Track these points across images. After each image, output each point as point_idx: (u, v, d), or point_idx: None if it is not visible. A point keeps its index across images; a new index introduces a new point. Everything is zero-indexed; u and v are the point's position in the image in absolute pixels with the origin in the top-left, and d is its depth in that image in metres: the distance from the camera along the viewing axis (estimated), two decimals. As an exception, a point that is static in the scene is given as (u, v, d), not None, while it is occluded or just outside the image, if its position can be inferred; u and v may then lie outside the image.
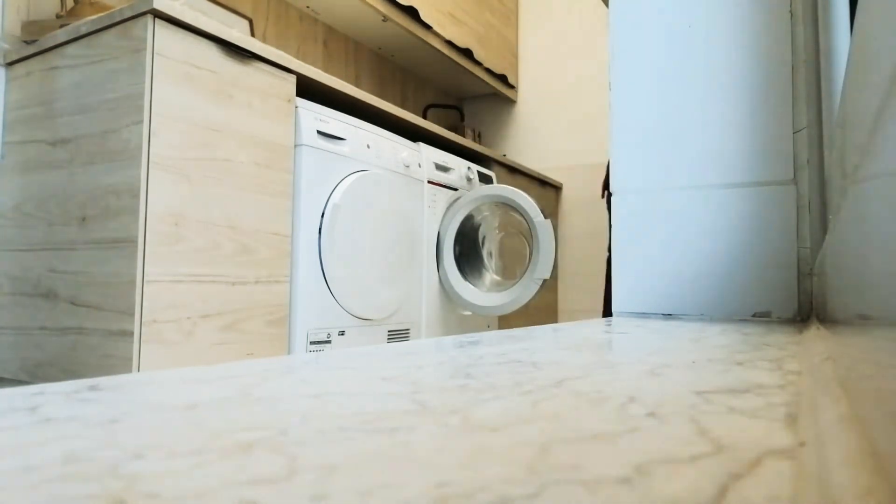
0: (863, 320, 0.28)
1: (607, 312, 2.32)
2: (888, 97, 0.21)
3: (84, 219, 1.28)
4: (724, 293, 1.12)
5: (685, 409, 0.29)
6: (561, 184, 3.21)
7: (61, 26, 1.44)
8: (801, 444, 0.23)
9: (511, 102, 3.45)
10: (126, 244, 1.20)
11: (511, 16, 3.41)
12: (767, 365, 0.47)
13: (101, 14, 1.31)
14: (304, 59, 2.39)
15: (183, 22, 1.28)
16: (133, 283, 1.18)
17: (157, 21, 1.24)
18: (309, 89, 1.68)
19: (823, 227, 1.01)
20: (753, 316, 1.09)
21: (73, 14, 1.52)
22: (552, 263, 2.10)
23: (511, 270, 2.54)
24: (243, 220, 1.41)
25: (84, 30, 1.32)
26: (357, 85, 2.71)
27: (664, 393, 0.34)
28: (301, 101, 1.59)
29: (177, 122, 1.27)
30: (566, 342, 0.65)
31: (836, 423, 0.26)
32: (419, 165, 2.03)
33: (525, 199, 2.11)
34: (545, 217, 2.09)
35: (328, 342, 1.61)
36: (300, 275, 1.55)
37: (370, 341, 1.77)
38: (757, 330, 0.85)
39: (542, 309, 2.98)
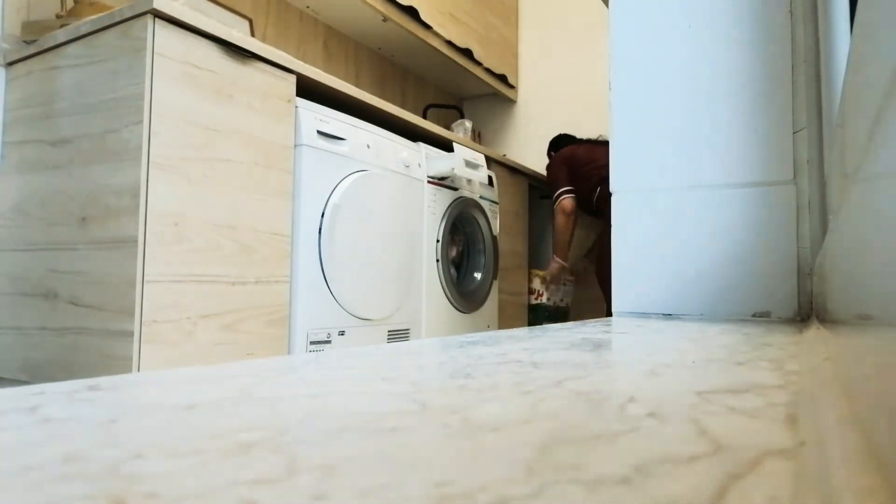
0: (863, 320, 0.28)
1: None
2: (888, 97, 0.21)
3: (84, 219, 1.28)
4: (724, 293, 1.12)
5: (685, 409, 0.29)
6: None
7: (61, 26, 1.44)
8: (801, 444, 0.23)
9: (511, 102, 3.45)
10: (126, 244, 1.20)
11: (511, 16, 3.41)
12: (767, 365, 0.47)
13: (101, 14, 1.31)
14: (304, 59, 2.39)
15: (183, 22, 1.28)
16: (133, 283, 1.18)
17: (157, 21, 1.24)
18: (309, 89, 1.68)
19: (823, 227, 1.01)
20: (753, 316, 1.09)
21: (73, 14, 1.52)
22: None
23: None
24: (243, 220, 1.41)
25: (84, 30, 1.32)
26: (357, 85, 2.71)
27: (664, 393, 0.34)
28: (301, 101, 1.59)
29: (177, 122, 1.27)
30: (566, 342, 0.65)
31: (836, 423, 0.26)
32: (419, 165, 2.03)
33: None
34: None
35: (328, 342, 1.61)
36: (300, 275, 1.55)
37: (370, 341, 1.77)
38: (757, 330, 0.85)
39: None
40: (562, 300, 2.80)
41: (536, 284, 2.75)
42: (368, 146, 1.77)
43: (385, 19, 2.48)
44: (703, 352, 0.57)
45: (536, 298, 2.75)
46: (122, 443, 0.23)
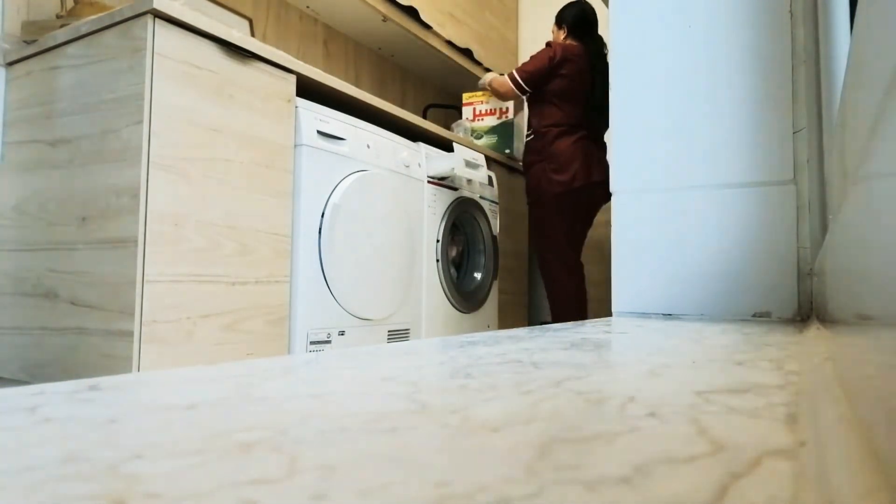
0: (863, 320, 0.28)
1: (561, 318, 2.27)
2: (888, 97, 0.21)
3: (84, 219, 1.28)
4: (724, 293, 1.12)
5: (685, 409, 0.29)
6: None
7: (61, 26, 1.44)
8: (801, 444, 0.23)
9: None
10: (126, 244, 1.20)
11: (511, 16, 3.41)
12: (767, 365, 0.47)
13: (101, 14, 1.31)
14: (304, 59, 2.39)
15: (183, 22, 1.28)
16: (133, 283, 1.18)
17: (157, 21, 1.24)
18: (309, 89, 1.68)
19: (823, 227, 1.01)
20: (753, 316, 1.09)
21: (73, 14, 1.52)
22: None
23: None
24: (243, 220, 1.41)
25: (84, 30, 1.32)
26: (357, 85, 2.71)
27: (664, 393, 0.34)
28: (301, 101, 1.59)
29: (177, 122, 1.27)
30: (566, 342, 0.65)
31: (836, 423, 0.26)
32: (419, 165, 2.03)
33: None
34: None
35: (328, 342, 1.61)
36: (300, 275, 1.55)
37: (370, 341, 1.77)
38: (757, 330, 0.85)
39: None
40: None
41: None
42: (368, 146, 1.77)
43: (385, 19, 2.48)
44: (703, 352, 0.57)
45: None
46: (122, 443, 0.23)
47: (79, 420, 0.27)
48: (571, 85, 2.27)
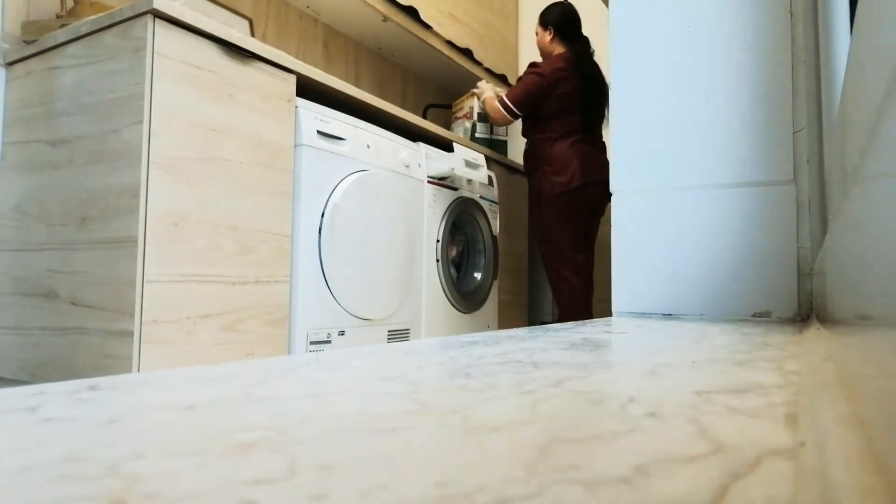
0: (863, 320, 0.28)
1: (565, 317, 2.28)
2: (888, 97, 0.21)
3: (84, 219, 1.28)
4: (724, 293, 1.12)
5: (685, 409, 0.29)
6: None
7: (61, 26, 1.44)
8: (801, 444, 0.23)
9: (511, 102, 3.44)
10: (126, 244, 1.20)
11: (511, 16, 3.41)
12: (767, 365, 0.47)
13: (101, 14, 1.31)
14: (304, 59, 2.39)
15: (183, 22, 1.28)
16: (133, 283, 1.18)
17: (157, 21, 1.24)
18: (309, 89, 1.68)
19: (823, 227, 1.01)
20: (753, 316, 1.09)
21: (73, 14, 1.52)
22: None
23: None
24: (243, 220, 1.41)
25: (84, 30, 1.32)
26: (357, 85, 2.71)
27: (664, 393, 0.34)
28: (301, 101, 1.59)
29: (177, 122, 1.27)
30: (566, 342, 0.65)
31: (836, 423, 0.26)
32: (419, 165, 2.03)
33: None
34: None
35: (328, 342, 1.61)
36: (300, 275, 1.55)
37: (370, 341, 1.77)
38: (757, 330, 0.85)
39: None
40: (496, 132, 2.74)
41: (466, 105, 2.69)
42: (368, 146, 1.77)
43: (385, 19, 2.48)
44: (703, 352, 0.57)
45: (468, 119, 2.71)
46: (122, 443, 0.23)
47: (79, 420, 0.27)
48: (565, 100, 2.28)
